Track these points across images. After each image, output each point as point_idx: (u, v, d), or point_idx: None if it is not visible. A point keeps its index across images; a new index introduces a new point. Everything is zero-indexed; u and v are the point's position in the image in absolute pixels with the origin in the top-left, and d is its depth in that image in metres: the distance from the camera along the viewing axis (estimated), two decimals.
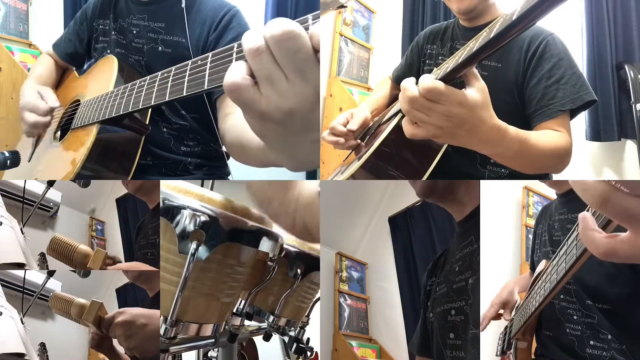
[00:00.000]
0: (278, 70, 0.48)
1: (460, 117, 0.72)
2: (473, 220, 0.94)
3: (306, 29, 0.49)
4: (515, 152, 0.84)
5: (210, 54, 0.62)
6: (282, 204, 0.67)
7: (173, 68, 0.74)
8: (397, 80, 1.38)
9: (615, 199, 0.38)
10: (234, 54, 0.57)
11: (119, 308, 1.45)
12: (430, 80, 0.70)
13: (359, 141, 1.17)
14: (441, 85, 0.70)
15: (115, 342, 0.95)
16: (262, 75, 0.49)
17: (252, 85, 0.50)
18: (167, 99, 0.75)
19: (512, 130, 0.81)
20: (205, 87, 0.62)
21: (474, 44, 0.67)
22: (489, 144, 0.79)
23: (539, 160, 0.92)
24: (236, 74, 0.49)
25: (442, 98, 0.70)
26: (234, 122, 1.09)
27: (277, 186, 0.69)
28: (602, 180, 0.39)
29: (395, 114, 1.05)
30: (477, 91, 0.72)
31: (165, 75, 0.77)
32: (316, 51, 0.48)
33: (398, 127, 1.02)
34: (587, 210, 0.50)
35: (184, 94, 0.68)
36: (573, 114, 1.04)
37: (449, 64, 0.74)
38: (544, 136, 0.95)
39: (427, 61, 1.28)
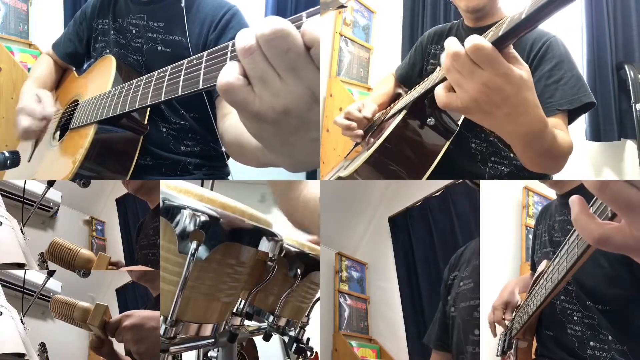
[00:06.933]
0: (270, 70, 0.48)
1: (502, 93, 0.63)
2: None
3: (300, 26, 0.48)
4: (546, 149, 0.76)
5: (205, 53, 0.62)
6: (287, 192, 0.68)
7: (169, 67, 0.73)
8: (400, 79, 1.39)
9: (614, 184, 0.38)
10: (229, 53, 0.57)
11: (119, 308, 1.44)
12: (479, 39, 0.62)
13: (362, 132, 1.17)
14: (491, 47, 0.61)
15: (115, 344, 0.92)
16: (255, 75, 0.49)
17: (246, 85, 0.49)
18: (162, 99, 0.74)
19: (549, 124, 0.73)
20: (200, 87, 0.62)
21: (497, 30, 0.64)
22: (528, 135, 0.70)
23: (557, 158, 0.86)
24: (229, 74, 0.49)
25: (488, 62, 0.61)
26: (232, 122, 1.08)
27: (289, 181, 0.70)
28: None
29: (399, 111, 1.05)
30: (523, 69, 0.64)
31: (162, 74, 0.76)
32: (308, 48, 0.48)
33: (402, 124, 1.03)
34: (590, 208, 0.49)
35: (179, 93, 0.68)
36: (571, 117, 1.04)
37: None
38: (561, 134, 0.90)
39: (431, 61, 1.28)
